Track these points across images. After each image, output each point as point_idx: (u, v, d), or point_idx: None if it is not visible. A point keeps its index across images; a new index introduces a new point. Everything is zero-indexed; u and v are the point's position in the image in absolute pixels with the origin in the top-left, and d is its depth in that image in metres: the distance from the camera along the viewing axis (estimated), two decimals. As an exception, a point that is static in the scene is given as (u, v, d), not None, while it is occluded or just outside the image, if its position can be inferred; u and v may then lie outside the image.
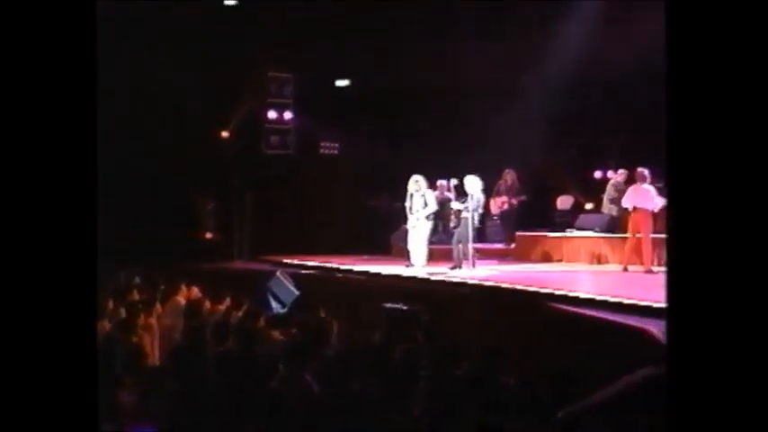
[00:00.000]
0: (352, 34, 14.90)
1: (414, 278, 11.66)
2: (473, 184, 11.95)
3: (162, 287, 9.02)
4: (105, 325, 7.07)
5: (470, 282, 10.95)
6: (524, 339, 7.88)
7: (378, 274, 12.31)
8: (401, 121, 16.48)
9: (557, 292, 9.38)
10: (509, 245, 14.60)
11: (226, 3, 15.29)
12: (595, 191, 14.93)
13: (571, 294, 9.20)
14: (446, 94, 15.92)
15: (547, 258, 13.93)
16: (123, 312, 7.61)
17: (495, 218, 15.03)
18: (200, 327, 7.00)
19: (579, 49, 13.78)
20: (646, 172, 11.75)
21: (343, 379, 5.11)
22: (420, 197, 12.19)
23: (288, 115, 16.52)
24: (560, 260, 13.78)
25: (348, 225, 16.64)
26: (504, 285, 10.40)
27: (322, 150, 17.28)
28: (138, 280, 9.80)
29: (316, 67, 15.61)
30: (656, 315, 7.42)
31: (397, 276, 11.93)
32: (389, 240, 15.03)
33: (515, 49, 14.36)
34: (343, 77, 16.76)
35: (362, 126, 16.48)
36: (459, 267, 11.90)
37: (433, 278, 11.47)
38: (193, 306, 8.23)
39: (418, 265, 12.23)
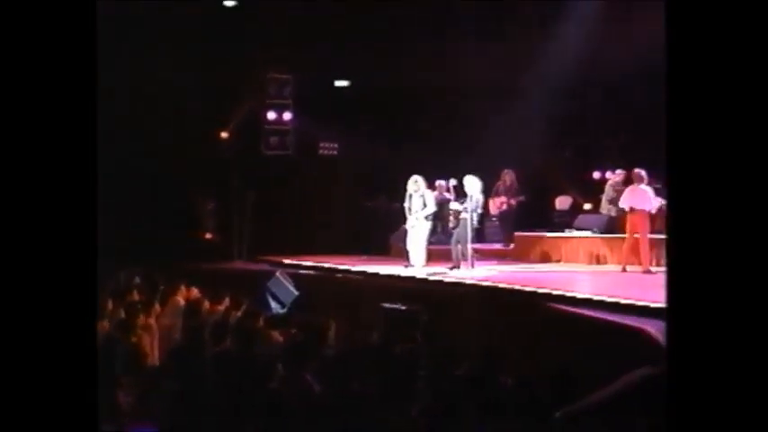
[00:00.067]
0: (351, 35, 14.89)
1: (412, 278, 11.67)
2: (472, 184, 11.96)
3: (161, 287, 9.02)
4: (105, 325, 7.08)
5: (469, 282, 10.96)
6: (523, 339, 7.90)
7: (377, 275, 12.32)
8: (400, 121, 16.48)
9: (555, 293, 9.39)
10: (508, 245, 14.61)
11: (225, 4, 15.26)
12: (594, 191, 14.94)
13: (569, 294, 9.21)
14: (446, 94, 15.91)
15: (545, 259, 13.93)
16: (123, 313, 7.62)
17: (494, 218, 15.04)
18: (200, 327, 7.01)
19: (578, 49, 13.77)
20: (643, 173, 11.77)
21: (343, 379, 5.12)
22: (419, 198, 12.20)
23: (287, 116, 16.52)
24: (559, 260, 13.78)
25: (347, 225, 16.64)
26: (502, 285, 10.41)
27: (321, 151, 17.28)
28: (137, 280, 9.81)
29: (315, 67, 15.60)
30: (653, 315, 7.44)
31: (396, 277, 11.94)
32: (389, 241, 15.03)
33: (515, 49, 14.34)
34: (342, 78, 16.76)
35: (362, 127, 16.48)
36: (458, 268, 11.92)
37: (431, 278, 11.48)
38: (193, 306, 8.24)
39: (417, 266, 12.24)
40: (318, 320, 7.38)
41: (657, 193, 11.69)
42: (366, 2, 14.31)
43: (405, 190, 12.35)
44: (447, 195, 12.97)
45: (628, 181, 12.53)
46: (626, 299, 8.48)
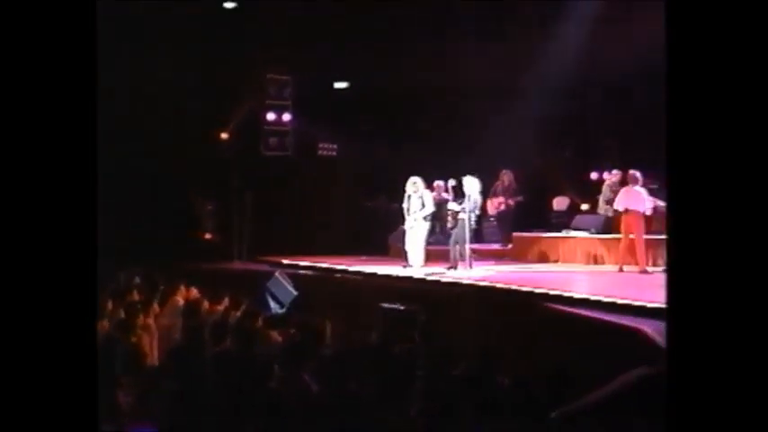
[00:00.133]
0: (350, 35, 14.90)
1: (411, 278, 11.70)
2: (471, 185, 11.99)
3: (161, 287, 9.04)
4: (105, 325, 7.09)
5: (467, 282, 10.99)
6: (520, 339, 7.92)
7: (375, 275, 12.34)
8: (399, 121, 16.49)
9: (552, 293, 9.43)
10: (506, 245, 14.64)
11: (225, 5, 15.27)
12: (591, 192, 14.97)
13: (566, 294, 9.24)
14: (445, 94, 15.93)
15: (543, 259, 13.97)
16: (123, 313, 7.63)
17: (492, 219, 15.08)
18: (199, 327, 7.02)
19: (577, 49, 13.78)
20: (637, 174, 11.85)
21: (341, 379, 5.13)
22: (418, 198, 12.23)
23: (286, 117, 16.55)
24: (557, 261, 13.82)
25: (347, 226, 16.66)
26: (499, 285, 10.44)
27: (320, 152, 17.29)
28: (137, 280, 9.81)
29: (314, 68, 15.62)
30: (650, 315, 7.47)
31: (394, 277, 11.97)
32: (387, 241, 15.06)
33: (514, 49, 14.34)
34: (341, 79, 16.78)
35: (360, 127, 16.50)
36: (455, 268, 11.95)
37: (429, 278, 11.51)
38: (192, 306, 8.25)
39: (416, 266, 12.26)
40: (317, 320, 7.40)
41: (653, 193, 11.74)
42: (366, 2, 14.32)
43: (404, 190, 12.38)
44: (445, 196, 13.00)
45: (624, 181, 12.57)
46: (623, 299, 8.52)
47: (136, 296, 8.75)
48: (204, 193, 16.23)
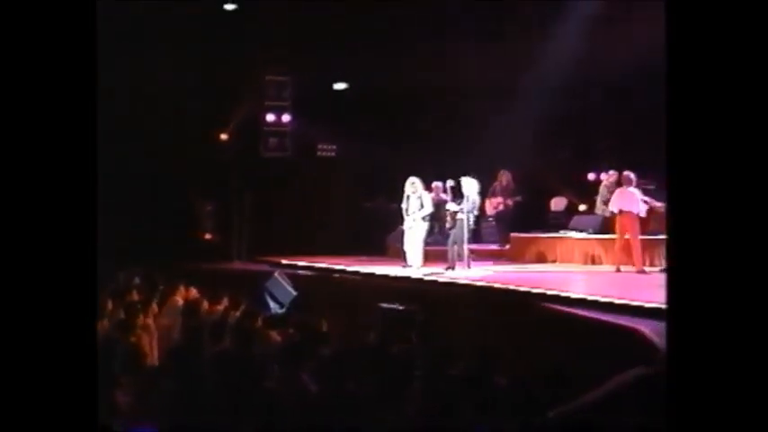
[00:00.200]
0: (350, 36, 14.91)
1: (409, 279, 11.72)
2: (469, 185, 12.02)
3: (161, 287, 9.04)
4: (104, 325, 7.10)
5: (465, 282, 11.02)
6: (518, 339, 7.93)
7: (374, 275, 12.36)
8: (398, 122, 16.49)
9: (549, 293, 9.45)
10: (504, 246, 14.67)
11: (225, 7, 15.27)
12: (588, 192, 14.99)
13: (564, 294, 9.27)
14: (444, 94, 15.93)
15: (541, 259, 13.99)
16: (122, 313, 7.64)
17: (491, 219, 15.11)
18: (198, 327, 7.04)
19: (576, 49, 13.77)
20: (632, 175, 11.91)
21: (340, 379, 5.14)
22: (416, 199, 12.25)
23: (286, 118, 16.57)
24: (554, 261, 13.85)
25: (346, 226, 16.68)
26: (497, 286, 10.47)
27: (319, 152, 17.31)
28: (137, 280, 9.82)
29: (314, 69, 15.62)
30: (648, 315, 7.49)
31: (393, 277, 11.99)
32: (386, 241, 15.08)
33: (513, 50, 14.35)
34: (340, 80, 16.78)
35: (360, 128, 16.50)
36: (453, 268, 11.98)
37: (428, 279, 11.53)
38: (191, 306, 8.26)
39: (414, 266, 12.28)
40: (316, 320, 7.41)
41: (650, 194, 11.81)
42: (365, 2, 14.33)
43: (402, 191, 12.41)
44: (444, 196, 13.02)
45: (620, 182, 12.60)
46: (620, 299, 8.54)
47: (135, 296, 8.75)
48: (204, 193, 16.24)
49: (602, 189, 14.00)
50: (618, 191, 12.13)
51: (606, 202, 13.42)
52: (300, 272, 13.26)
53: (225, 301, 8.42)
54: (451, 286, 10.96)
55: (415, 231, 12.31)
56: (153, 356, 7.14)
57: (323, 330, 6.95)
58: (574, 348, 7.42)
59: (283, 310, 10.50)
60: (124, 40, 12.68)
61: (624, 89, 14.42)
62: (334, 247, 15.36)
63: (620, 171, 12.79)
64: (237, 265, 15.51)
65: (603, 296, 8.78)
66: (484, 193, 13.40)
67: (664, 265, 11.43)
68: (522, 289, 9.97)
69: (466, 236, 11.93)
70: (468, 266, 11.98)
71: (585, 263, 13.28)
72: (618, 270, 11.83)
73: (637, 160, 12.95)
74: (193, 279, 9.74)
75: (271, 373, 5.33)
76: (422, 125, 16.44)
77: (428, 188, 12.86)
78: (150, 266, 10.43)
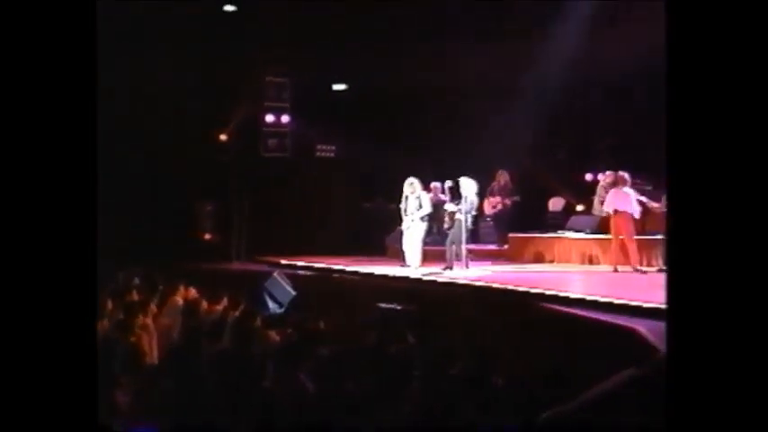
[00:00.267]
0: (350, 36, 14.92)
1: (407, 278, 11.74)
2: (467, 186, 12.04)
3: (160, 287, 9.06)
4: (104, 325, 7.12)
5: (463, 282, 11.04)
6: (516, 339, 7.95)
7: (372, 275, 12.39)
8: (397, 123, 16.51)
9: (548, 293, 9.47)
10: (502, 246, 14.70)
11: (225, 9, 15.29)
12: (586, 193, 15.01)
13: (562, 294, 9.29)
14: (443, 95, 15.94)
15: (539, 259, 14.03)
16: (122, 312, 7.65)
17: (489, 219, 15.14)
18: (198, 327, 7.05)
19: (575, 49, 13.78)
20: (626, 175, 11.95)
21: (338, 379, 5.15)
22: (415, 199, 12.30)
23: (285, 119, 16.61)
24: (552, 261, 13.88)
25: (345, 226, 16.70)
26: (495, 285, 10.50)
27: (318, 153, 17.34)
28: (137, 280, 9.83)
29: (313, 70, 15.65)
30: (645, 315, 7.52)
31: (392, 277, 12.01)
32: (385, 242, 15.11)
33: (512, 50, 14.37)
34: (339, 81, 16.81)
35: (359, 129, 16.53)
36: (451, 268, 12.01)
37: (426, 279, 11.55)
38: (191, 306, 8.27)
39: (413, 266, 12.31)
40: (314, 320, 7.43)
41: (647, 194, 11.85)
42: (365, 3, 14.35)
43: (401, 191, 12.44)
44: (442, 197, 13.05)
45: (615, 183, 12.64)
46: (618, 299, 8.56)
47: (135, 296, 8.76)
48: (204, 193, 16.27)
49: (599, 189, 14.02)
50: (612, 191, 12.18)
51: (603, 203, 13.46)
52: (299, 272, 13.28)
53: (224, 301, 8.43)
54: (450, 286, 10.98)
55: (413, 232, 12.35)
56: (152, 356, 7.15)
57: (321, 330, 6.97)
58: (572, 348, 7.44)
59: (282, 310, 10.51)
60: (124, 40, 12.69)
61: (623, 89, 14.44)
62: (333, 248, 15.38)
63: (616, 172, 12.84)
64: (237, 265, 15.53)
65: (602, 296, 8.81)
66: (482, 194, 13.43)
67: (661, 265, 11.49)
68: (520, 289, 9.99)
69: (464, 236, 11.96)
70: (467, 266, 12.02)
71: (583, 263, 13.31)
72: (615, 270, 11.87)
73: (635, 161, 12.99)
74: (193, 279, 9.75)
75: (269, 373, 5.34)
76: (421, 125, 16.45)
77: (426, 188, 12.91)
78: (150, 266, 10.44)
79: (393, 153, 15.17)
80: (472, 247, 12.83)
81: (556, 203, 15.74)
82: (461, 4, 14.60)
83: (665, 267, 11.03)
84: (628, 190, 11.89)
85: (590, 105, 15.56)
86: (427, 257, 12.59)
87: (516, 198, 14.84)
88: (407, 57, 14.75)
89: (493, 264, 13.39)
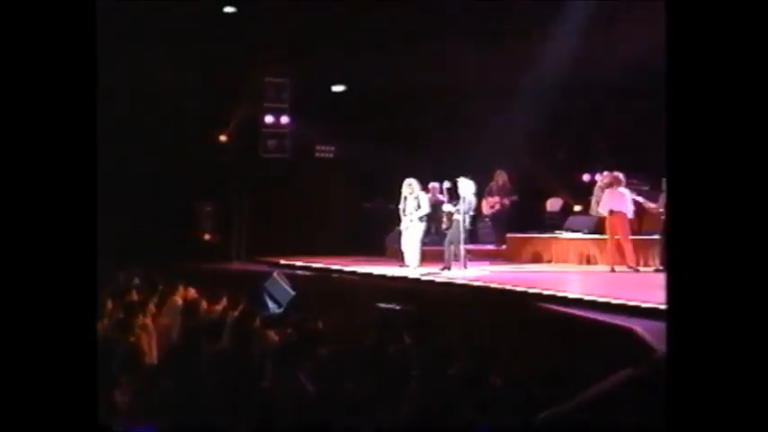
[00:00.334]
0: (349, 37, 14.94)
1: (406, 279, 11.76)
2: (465, 186, 12.07)
3: (160, 287, 9.07)
4: (104, 325, 7.13)
5: (461, 282, 11.06)
6: (514, 339, 7.96)
7: (371, 275, 12.41)
8: (397, 123, 16.52)
9: (545, 293, 9.49)
10: (500, 246, 14.74)
11: (225, 10, 15.31)
12: (584, 193, 15.04)
13: (560, 294, 9.31)
14: (443, 94, 15.94)
15: (537, 259, 14.07)
16: (122, 312, 7.66)
17: (487, 219, 15.17)
18: (197, 327, 7.06)
19: (575, 50, 13.80)
20: (620, 176, 11.99)
21: (337, 378, 5.16)
22: (413, 200, 12.33)
23: (284, 119, 16.63)
24: (550, 261, 13.93)
25: (345, 227, 16.72)
26: (493, 285, 10.51)
27: (318, 154, 17.37)
28: (137, 280, 9.84)
29: (312, 71, 15.65)
30: (643, 315, 7.53)
31: (390, 277, 12.03)
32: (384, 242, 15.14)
33: (512, 50, 14.38)
34: (339, 82, 16.82)
35: (358, 129, 16.55)
36: (449, 269, 12.03)
37: (424, 279, 11.57)
38: (190, 306, 8.29)
39: (412, 266, 12.34)
40: (313, 320, 7.44)
41: (644, 194, 11.89)
42: (364, 3, 14.35)
43: (400, 192, 12.47)
44: (440, 197, 13.09)
45: (611, 183, 12.67)
46: (616, 299, 8.57)
47: (135, 296, 8.77)
48: (203, 193, 16.28)
49: (596, 190, 14.04)
50: (607, 191, 12.23)
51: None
52: (299, 272, 13.30)
53: (224, 301, 8.45)
54: (448, 286, 11.01)
55: (412, 232, 12.38)
56: (152, 356, 7.16)
57: (320, 330, 6.98)
58: (570, 348, 7.45)
59: (281, 310, 10.52)
60: (124, 40, 12.70)
61: (619, 90, 14.45)
62: (333, 248, 15.39)
63: (613, 172, 12.87)
64: (237, 265, 15.54)
65: (599, 296, 8.82)
66: (480, 194, 13.45)
67: (658, 265, 11.54)
68: (518, 289, 10.01)
69: (462, 236, 11.99)
70: (465, 266, 12.05)
71: (580, 263, 13.36)
72: (612, 270, 11.90)
73: (632, 161, 13.02)
74: (193, 279, 9.77)
75: (268, 373, 5.35)
76: (421, 125, 16.46)
77: (425, 189, 12.93)
78: (150, 266, 10.46)
79: (392, 153, 15.19)
80: (470, 247, 12.85)
81: (554, 204, 15.78)
82: (461, 4, 14.60)
83: (661, 267, 11.11)
84: (623, 190, 11.94)
85: (590, 105, 15.57)
86: (426, 257, 12.61)
87: (514, 198, 14.88)
88: (407, 57, 14.74)
89: (491, 264, 13.42)
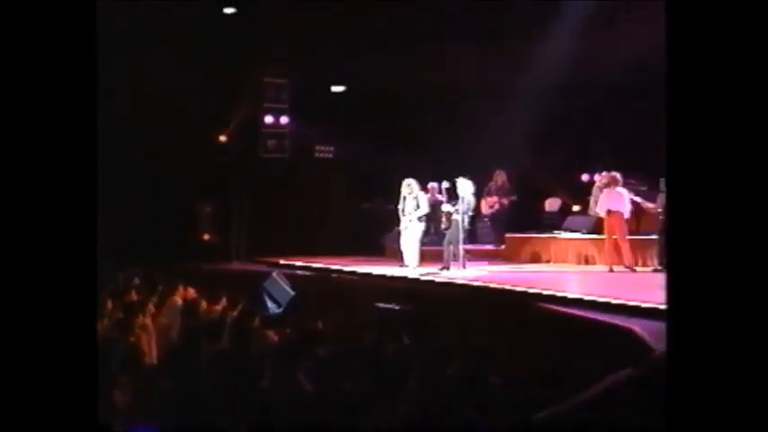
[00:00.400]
0: (349, 37, 14.95)
1: (405, 278, 11.78)
2: (464, 186, 12.09)
3: (160, 287, 9.08)
4: (104, 325, 7.13)
5: (460, 282, 11.07)
6: (513, 339, 7.96)
7: (370, 275, 12.42)
8: (396, 123, 16.54)
9: (545, 292, 9.50)
10: (499, 246, 14.76)
11: (225, 11, 15.31)
12: (582, 193, 15.05)
13: (559, 294, 9.32)
14: (443, 94, 15.96)
15: (535, 259, 14.09)
16: (121, 312, 7.67)
17: (486, 219, 15.19)
18: (197, 327, 7.07)
19: (575, 49, 13.82)
20: (618, 176, 12.01)
21: (336, 378, 5.16)
22: (413, 200, 12.35)
23: (284, 120, 16.65)
24: (548, 261, 13.95)
25: (345, 227, 16.73)
26: (493, 285, 10.52)
27: (317, 154, 17.38)
28: (137, 281, 9.85)
29: (312, 71, 15.67)
30: (642, 315, 7.54)
31: (390, 277, 12.04)
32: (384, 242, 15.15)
33: (512, 50, 14.40)
34: (338, 82, 16.84)
35: (358, 129, 16.57)
36: (448, 269, 12.04)
37: (424, 279, 11.58)
38: (190, 306, 8.29)
39: (411, 266, 12.35)
40: (312, 320, 7.45)
41: (642, 195, 11.91)
42: (365, 3, 14.36)
43: (399, 192, 12.48)
44: (439, 197, 13.10)
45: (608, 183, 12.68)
46: (615, 299, 8.58)
47: (135, 296, 8.78)
48: (203, 194, 16.29)
49: (595, 190, 14.05)
50: (605, 191, 12.26)
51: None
52: (298, 272, 13.30)
53: (223, 301, 8.45)
54: (447, 286, 11.02)
55: (411, 232, 12.39)
56: (151, 356, 7.17)
57: (319, 330, 6.98)
58: (568, 348, 7.46)
59: (281, 310, 10.52)
60: (124, 40, 12.71)
61: (623, 89, 14.46)
62: (332, 248, 15.41)
63: (611, 172, 12.89)
64: (236, 265, 15.55)
65: (598, 296, 8.83)
66: (479, 194, 13.47)
67: (656, 265, 11.56)
68: (517, 289, 10.03)
69: (461, 236, 12.00)
70: (464, 266, 12.06)
71: (579, 263, 13.38)
72: (611, 270, 11.92)
73: (630, 161, 13.03)
74: (192, 279, 9.77)
75: (267, 373, 5.36)
76: (421, 125, 16.47)
77: (424, 189, 12.95)
78: (150, 266, 10.46)
79: (392, 153, 15.20)
80: (469, 247, 12.87)
81: (552, 204, 15.80)
82: (461, 4, 14.61)
83: (659, 267, 11.14)
84: (621, 189, 11.97)
85: (589, 105, 15.58)
86: (425, 257, 12.62)
87: (513, 198, 14.89)
88: (407, 57, 14.76)
89: (490, 264, 13.44)
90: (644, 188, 12.49)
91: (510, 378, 5.06)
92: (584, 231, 13.67)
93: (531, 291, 9.74)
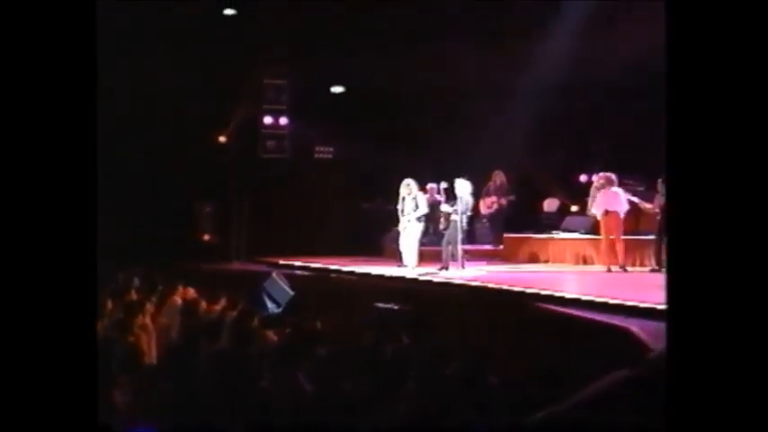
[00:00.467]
0: (349, 38, 14.96)
1: (404, 278, 11.79)
2: (463, 187, 12.11)
3: (160, 287, 9.09)
4: (104, 325, 7.14)
5: (459, 282, 11.09)
6: (511, 339, 7.97)
7: (370, 275, 12.43)
8: (396, 123, 16.54)
9: (543, 293, 9.51)
10: (497, 246, 14.76)
11: (225, 12, 15.32)
12: (580, 193, 15.06)
13: (557, 294, 9.32)
14: (443, 94, 15.97)
15: (534, 259, 14.10)
16: (121, 312, 7.68)
17: (484, 219, 15.20)
18: (196, 326, 7.08)
19: (574, 49, 13.82)
20: (613, 176, 12.04)
21: (335, 378, 5.17)
22: (411, 200, 12.37)
23: (283, 120, 16.67)
24: (546, 261, 13.96)
25: (345, 227, 16.74)
26: (491, 286, 10.53)
27: (317, 154, 17.40)
28: (137, 281, 9.86)
29: (312, 71, 15.68)
30: (641, 315, 7.55)
31: (389, 277, 12.05)
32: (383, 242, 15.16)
33: (512, 50, 14.40)
34: (338, 83, 16.85)
35: (357, 129, 16.57)
36: (447, 269, 12.06)
37: (422, 279, 11.59)
38: (190, 306, 8.30)
39: (410, 266, 12.37)
40: (312, 320, 7.45)
41: (640, 195, 11.93)
42: (365, 3, 14.37)
43: (398, 192, 12.50)
44: (438, 198, 13.10)
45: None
46: (613, 299, 8.59)
47: (134, 296, 8.79)
48: (203, 194, 16.30)
49: (592, 190, 14.05)
50: (601, 192, 12.27)
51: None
52: (298, 272, 13.32)
53: (223, 302, 8.46)
54: (446, 286, 11.03)
55: (410, 232, 12.41)
56: (151, 356, 7.17)
57: (319, 330, 6.99)
58: (567, 348, 7.47)
59: (280, 310, 10.53)
60: (124, 40, 12.72)
61: (622, 89, 14.46)
62: (332, 248, 15.42)
63: (608, 172, 12.90)
64: (236, 265, 15.56)
65: (596, 296, 8.84)
66: (478, 194, 13.48)
67: (653, 265, 11.57)
68: (515, 289, 10.02)
69: (459, 236, 12.01)
70: (462, 266, 12.07)
71: (577, 263, 13.39)
72: (609, 270, 11.94)
73: (629, 161, 13.04)
74: (192, 279, 9.78)
75: (267, 373, 5.36)
76: (421, 125, 16.48)
77: (423, 189, 12.97)
78: (150, 267, 10.47)
79: (392, 153, 15.21)
80: (468, 247, 12.88)
81: (550, 204, 15.80)
82: (461, 4, 14.62)
83: (657, 267, 11.16)
84: (616, 189, 11.99)
85: (589, 105, 15.58)
86: (424, 258, 12.64)
87: (512, 198, 14.89)
88: (407, 57, 14.77)
89: (488, 264, 13.45)
90: (641, 188, 12.50)
91: (508, 378, 5.07)
92: (583, 232, 13.69)
93: (529, 291, 9.75)
